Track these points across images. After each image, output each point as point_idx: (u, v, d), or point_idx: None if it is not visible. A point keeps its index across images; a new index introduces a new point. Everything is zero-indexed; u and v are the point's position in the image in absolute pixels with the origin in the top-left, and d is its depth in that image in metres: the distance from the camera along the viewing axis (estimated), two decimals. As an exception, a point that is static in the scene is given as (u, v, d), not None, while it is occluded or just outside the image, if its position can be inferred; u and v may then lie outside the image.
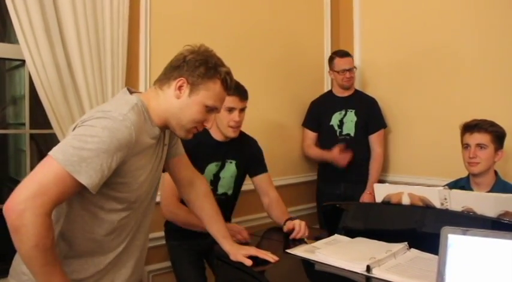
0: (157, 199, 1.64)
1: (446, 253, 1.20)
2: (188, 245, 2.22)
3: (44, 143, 2.63)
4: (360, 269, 1.49)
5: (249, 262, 1.62)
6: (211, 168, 2.16)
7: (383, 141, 3.14)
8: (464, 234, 1.21)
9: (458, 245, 1.20)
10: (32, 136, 2.58)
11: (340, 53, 3.11)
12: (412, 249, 1.65)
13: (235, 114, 2.12)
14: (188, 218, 1.98)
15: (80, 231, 1.36)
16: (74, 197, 1.28)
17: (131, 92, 1.43)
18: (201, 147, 2.03)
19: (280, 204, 2.21)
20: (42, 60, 1.99)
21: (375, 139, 3.08)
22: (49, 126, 2.11)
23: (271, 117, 3.06)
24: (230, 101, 2.10)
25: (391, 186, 1.81)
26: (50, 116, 2.05)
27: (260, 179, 2.27)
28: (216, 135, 2.21)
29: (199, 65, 1.39)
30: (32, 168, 1.22)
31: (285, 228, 2.00)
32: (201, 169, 2.07)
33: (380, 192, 1.75)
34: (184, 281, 2.23)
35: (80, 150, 1.19)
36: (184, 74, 1.38)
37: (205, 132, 2.19)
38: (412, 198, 1.67)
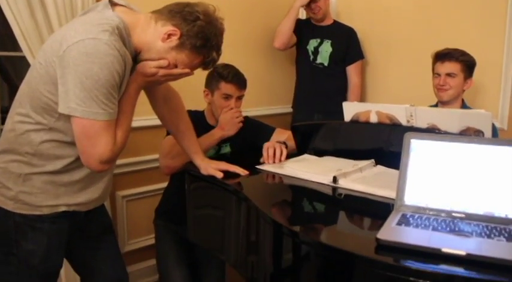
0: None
1: (409, 156, 1.25)
2: (175, 228, 2.24)
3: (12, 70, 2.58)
4: (327, 180, 1.55)
5: (220, 174, 1.66)
6: (209, 152, 2.12)
7: (361, 72, 3.13)
8: (425, 139, 1.26)
9: (420, 149, 1.25)
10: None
11: None
12: (379, 166, 1.71)
13: (231, 102, 2.11)
14: (181, 150, 1.91)
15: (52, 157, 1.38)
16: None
17: (113, 4, 1.37)
18: (196, 131, 1.93)
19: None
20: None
21: (352, 70, 3.07)
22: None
23: (242, 45, 3.02)
24: (227, 88, 2.09)
25: (360, 104, 1.84)
26: (19, 37, 1.99)
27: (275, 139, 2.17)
28: (211, 120, 2.19)
29: (201, 38, 1.36)
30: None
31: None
32: None
33: (349, 110, 1.78)
34: (163, 258, 2.25)
35: (100, 101, 1.24)
36: (184, 30, 1.34)
37: (201, 116, 2.20)
38: (380, 116, 1.71)
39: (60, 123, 1.32)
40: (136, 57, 1.39)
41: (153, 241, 2.53)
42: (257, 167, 1.78)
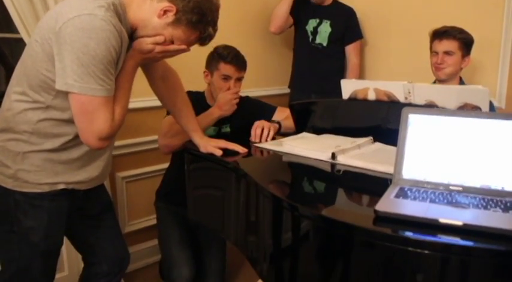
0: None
1: (407, 131, 1.26)
2: (176, 209, 2.27)
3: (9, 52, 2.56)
4: (326, 156, 1.56)
5: (219, 152, 1.67)
6: (209, 131, 2.13)
7: (359, 52, 3.12)
8: (423, 113, 1.27)
9: (418, 123, 1.26)
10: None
11: None
12: (377, 143, 1.71)
13: (230, 83, 2.10)
14: (180, 130, 1.89)
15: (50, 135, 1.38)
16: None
17: None
18: (196, 112, 1.90)
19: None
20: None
21: (351, 50, 3.06)
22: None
23: (238, 26, 3.00)
24: (226, 69, 2.08)
25: (357, 81, 1.84)
26: (15, 19, 1.98)
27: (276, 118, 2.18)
28: (211, 101, 2.18)
29: (196, 13, 1.35)
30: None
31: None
32: None
33: (346, 88, 1.78)
34: (167, 241, 2.28)
35: (97, 77, 1.24)
36: (179, 6, 1.34)
37: (201, 97, 2.19)
38: (378, 94, 1.71)
39: (58, 101, 1.32)
40: (132, 34, 1.38)
41: (153, 222, 2.55)
42: (256, 144, 1.79)
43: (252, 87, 3.00)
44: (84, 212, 1.59)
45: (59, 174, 1.40)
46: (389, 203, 1.11)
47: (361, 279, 1.12)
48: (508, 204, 1.09)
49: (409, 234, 1.00)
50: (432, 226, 1.01)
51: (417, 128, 1.25)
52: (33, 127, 1.34)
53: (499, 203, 1.09)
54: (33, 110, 1.34)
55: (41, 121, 1.34)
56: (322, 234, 1.19)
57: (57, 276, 1.64)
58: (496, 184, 1.16)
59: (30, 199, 1.38)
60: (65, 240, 1.60)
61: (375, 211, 1.06)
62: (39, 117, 1.34)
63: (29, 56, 1.33)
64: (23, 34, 2.01)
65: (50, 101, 1.32)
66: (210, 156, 1.69)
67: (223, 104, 2.06)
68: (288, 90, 3.25)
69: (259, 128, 1.88)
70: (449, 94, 1.59)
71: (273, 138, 1.89)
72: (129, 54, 1.36)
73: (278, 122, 2.00)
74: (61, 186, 1.41)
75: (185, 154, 1.84)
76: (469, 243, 0.96)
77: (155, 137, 2.29)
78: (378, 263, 1.07)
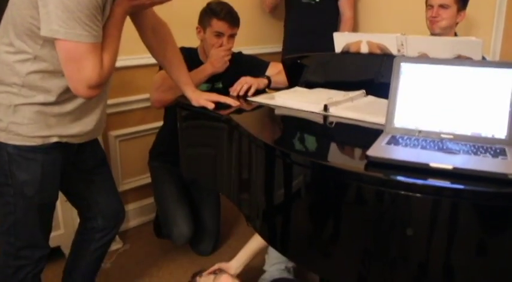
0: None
1: (399, 80, 1.26)
2: (170, 167, 2.28)
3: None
4: (318, 108, 1.56)
5: (211, 105, 1.67)
6: (202, 87, 2.09)
7: (353, 5, 3.07)
8: (415, 62, 1.27)
9: (410, 72, 1.26)
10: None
11: None
12: (369, 96, 1.71)
13: (223, 40, 2.07)
14: (172, 84, 1.87)
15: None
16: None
17: None
18: (189, 68, 1.87)
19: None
20: None
21: (344, 2, 3.01)
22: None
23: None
24: (219, 25, 2.05)
25: (350, 34, 1.82)
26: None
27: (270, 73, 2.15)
28: (203, 58, 2.15)
29: None
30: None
31: None
32: None
33: (339, 41, 1.76)
34: (164, 200, 2.30)
35: (83, 23, 1.21)
36: None
37: (194, 53, 2.17)
38: (371, 46, 1.70)
39: (45, 51, 1.30)
40: None
41: (147, 181, 2.56)
42: (248, 98, 1.79)
43: (245, 45, 2.96)
44: (78, 166, 1.60)
45: (52, 128, 1.39)
46: (380, 149, 1.12)
47: (354, 227, 1.13)
48: (498, 150, 1.10)
49: (400, 178, 1.01)
50: (423, 170, 1.02)
51: (409, 77, 1.25)
52: (23, 80, 1.33)
53: (489, 150, 1.10)
54: (22, 62, 1.32)
55: (31, 73, 1.33)
56: (314, 182, 1.20)
57: (53, 234, 1.65)
58: (487, 132, 1.17)
59: (23, 152, 1.38)
60: (60, 198, 1.61)
61: (366, 156, 1.07)
62: (28, 70, 1.32)
63: (13, 5, 1.30)
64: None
65: (37, 50, 1.30)
66: (202, 109, 1.68)
67: (215, 61, 2.04)
68: (280, 49, 3.21)
69: (240, 84, 1.88)
70: (442, 46, 1.58)
71: (265, 92, 1.88)
72: (117, 1, 1.34)
73: (268, 77, 1.99)
74: (54, 140, 1.41)
75: (178, 111, 1.83)
76: (460, 186, 0.98)
77: (147, 95, 2.27)
78: (370, 210, 1.08)
